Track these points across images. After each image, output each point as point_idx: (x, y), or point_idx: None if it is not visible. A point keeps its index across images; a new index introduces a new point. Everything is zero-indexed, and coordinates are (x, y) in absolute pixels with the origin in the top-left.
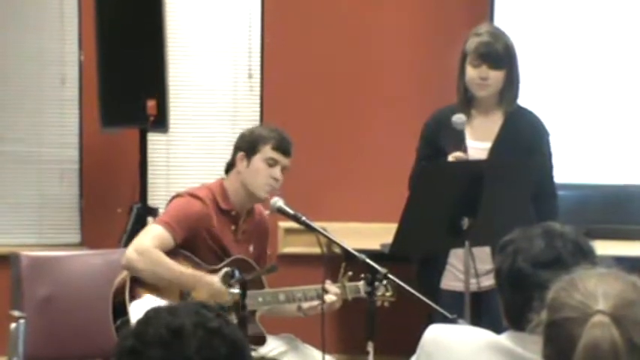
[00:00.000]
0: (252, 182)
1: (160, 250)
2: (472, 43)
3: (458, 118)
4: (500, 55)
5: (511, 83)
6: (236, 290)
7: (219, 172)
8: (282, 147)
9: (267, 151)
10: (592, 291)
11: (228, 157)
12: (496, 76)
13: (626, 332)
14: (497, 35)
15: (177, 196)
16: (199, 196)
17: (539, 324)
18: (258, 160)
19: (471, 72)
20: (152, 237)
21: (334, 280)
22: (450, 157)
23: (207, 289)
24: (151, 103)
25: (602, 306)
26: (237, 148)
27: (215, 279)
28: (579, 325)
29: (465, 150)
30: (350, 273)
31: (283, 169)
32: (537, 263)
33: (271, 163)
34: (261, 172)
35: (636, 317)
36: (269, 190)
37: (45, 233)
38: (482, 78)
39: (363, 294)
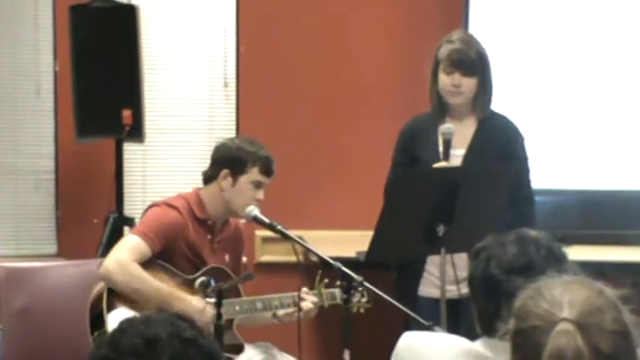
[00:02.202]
0: (235, 202)
1: (137, 263)
2: (445, 50)
3: (447, 128)
4: (473, 62)
5: (484, 90)
6: (212, 299)
7: (196, 181)
8: (269, 170)
9: (254, 174)
10: (558, 299)
11: (204, 166)
12: (469, 83)
13: (591, 339)
14: (470, 42)
15: (153, 205)
16: (175, 206)
17: (507, 332)
18: (244, 181)
19: (444, 79)
20: (129, 248)
21: (311, 288)
22: (435, 167)
23: (181, 308)
24: (126, 113)
25: (567, 314)
26: (221, 162)
27: (190, 298)
28: (545, 334)
29: (448, 159)
30: (326, 280)
31: (264, 188)
32: (510, 269)
33: (257, 185)
34: (246, 193)
35: (601, 324)
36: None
37: (21, 244)
38: (455, 85)
39: (339, 300)
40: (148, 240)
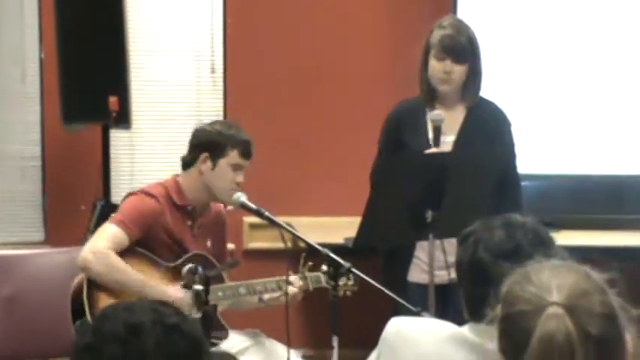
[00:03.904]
0: (217, 186)
1: (115, 253)
2: (436, 35)
3: (436, 115)
4: (464, 49)
5: (474, 77)
6: (199, 287)
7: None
8: (248, 152)
9: (234, 157)
10: (546, 283)
11: None
12: (460, 70)
13: (580, 323)
14: (461, 28)
15: (131, 194)
16: (152, 194)
17: (494, 318)
18: (224, 164)
19: (434, 66)
20: (107, 238)
21: (296, 273)
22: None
23: (162, 297)
24: (113, 99)
25: (556, 297)
26: (200, 146)
27: (172, 290)
28: (534, 318)
29: (438, 146)
30: (310, 263)
31: (243, 170)
32: (497, 253)
33: (236, 167)
34: (226, 176)
35: (590, 307)
36: (232, 195)
37: (7, 231)
38: (447, 72)
39: (324, 284)
40: (126, 229)
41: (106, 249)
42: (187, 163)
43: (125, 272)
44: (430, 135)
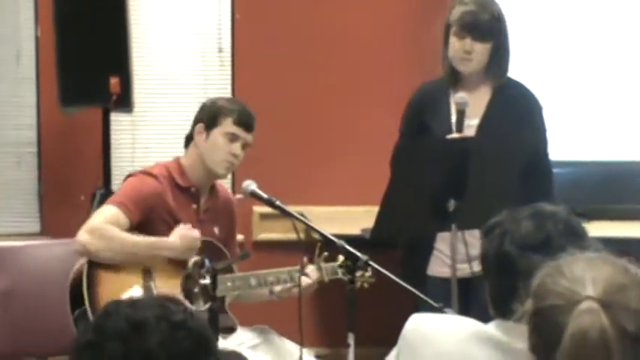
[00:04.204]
0: (210, 157)
1: (112, 226)
2: (457, 12)
3: (460, 97)
4: (486, 26)
5: (499, 56)
6: (207, 280)
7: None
8: (245, 121)
9: (227, 125)
10: (580, 276)
11: None
12: (481, 49)
13: (617, 319)
14: (485, 4)
15: (131, 175)
16: (153, 174)
17: (523, 314)
18: (217, 133)
19: (455, 44)
20: (106, 217)
21: (310, 263)
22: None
23: (167, 254)
24: (113, 81)
25: (591, 292)
26: (197, 119)
27: (173, 240)
28: (566, 313)
29: (461, 130)
30: (326, 253)
31: (244, 146)
32: (525, 245)
33: (231, 138)
34: (220, 147)
35: (627, 303)
36: (228, 167)
37: (2, 222)
38: (467, 51)
39: (340, 275)
40: (126, 209)
41: (103, 223)
42: (187, 139)
43: (125, 239)
44: (453, 119)
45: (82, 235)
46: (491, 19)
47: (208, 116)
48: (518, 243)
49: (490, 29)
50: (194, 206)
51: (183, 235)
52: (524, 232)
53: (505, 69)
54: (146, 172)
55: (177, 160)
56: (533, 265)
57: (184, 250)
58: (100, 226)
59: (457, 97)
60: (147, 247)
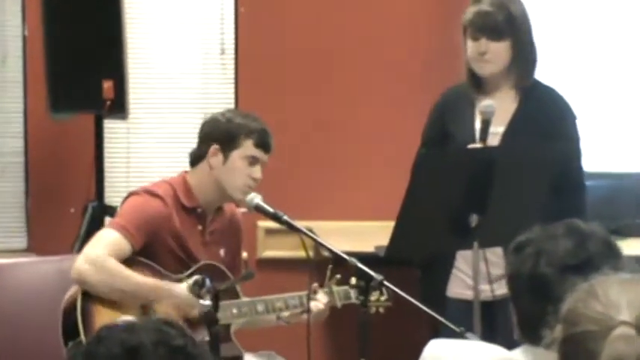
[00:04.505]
0: (229, 182)
1: (114, 259)
2: (469, 12)
3: (487, 106)
4: (499, 24)
5: (519, 56)
6: (207, 302)
7: (186, 165)
8: (265, 143)
9: (248, 148)
10: (614, 300)
11: None
12: (497, 49)
13: None
14: (500, 2)
15: (133, 194)
16: (158, 194)
17: (553, 340)
18: (237, 157)
19: (470, 46)
20: (105, 244)
21: (321, 286)
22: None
23: (171, 301)
24: (107, 85)
25: (627, 316)
26: (209, 137)
27: (179, 288)
28: (600, 340)
29: (485, 141)
30: (338, 276)
31: (262, 166)
32: (565, 267)
33: (252, 161)
34: (241, 171)
35: None
36: (247, 192)
37: None
38: (482, 52)
39: (354, 299)
40: (128, 235)
41: (105, 255)
42: (196, 157)
43: (128, 278)
44: (477, 126)
45: (82, 265)
46: (506, 16)
47: (225, 136)
48: (556, 264)
49: (505, 27)
50: (199, 228)
51: (186, 299)
52: (562, 252)
53: (528, 69)
54: (150, 192)
55: (182, 177)
56: (569, 287)
57: (188, 302)
58: (102, 257)
59: (483, 106)
60: (150, 290)
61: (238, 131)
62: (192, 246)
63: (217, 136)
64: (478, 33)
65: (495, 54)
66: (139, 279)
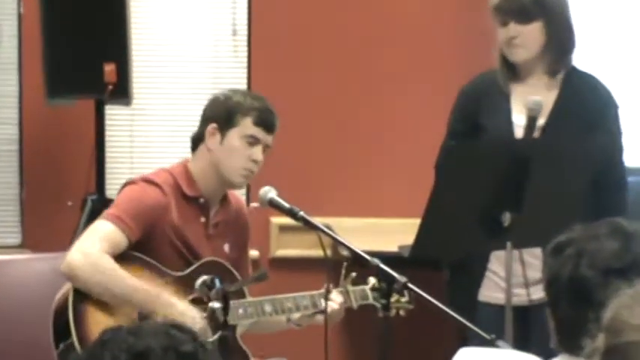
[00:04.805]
0: (226, 164)
1: (111, 257)
2: None
3: (535, 102)
4: (525, 6)
5: (553, 38)
6: (217, 304)
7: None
8: (266, 121)
9: (247, 126)
10: None
11: None
12: (527, 32)
13: None
14: None
15: (130, 183)
16: (156, 182)
17: (595, 351)
18: (234, 135)
19: (499, 32)
20: (100, 238)
21: (336, 286)
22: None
23: (168, 312)
24: (109, 68)
25: None
26: (208, 117)
27: (181, 304)
28: None
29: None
30: (354, 274)
31: (265, 149)
32: (609, 270)
33: (251, 141)
34: (238, 151)
35: None
36: (246, 175)
37: None
38: (511, 37)
39: (371, 300)
40: (124, 227)
41: (99, 251)
42: (195, 140)
43: (123, 280)
44: (515, 118)
45: (74, 258)
46: None
47: (223, 114)
48: (599, 266)
49: (533, 8)
50: (202, 219)
51: (191, 311)
52: (607, 254)
53: (563, 53)
54: (148, 180)
55: (183, 165)
56: (612, 292)
57: (183, 317)
58: (96, 254)
59: (531, 102)
60: (145, 297)
61: (236, 109)
62: (194, 239)
63: (215, 114)
64: (505, 17)
65: (525, 38)
66: (136, 283)
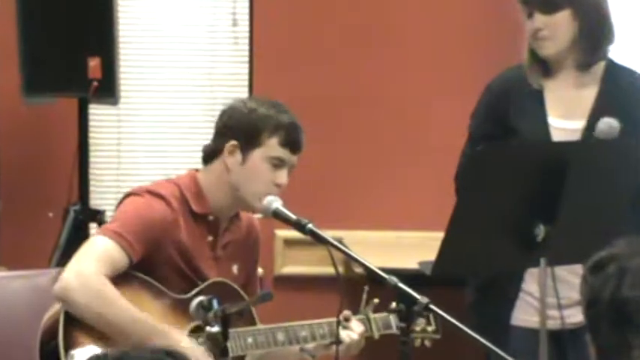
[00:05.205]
0: (246, 187)
1: (109, 278)
2: None
3: (610, 126)
4: None
5: (585, 28)
6: (215, 328)
7: (191, 160)
8: (294, 141)
9: (272, 147)
10: None
11: (202, 137)
12: (553, 23)
13: None
14: None
15: (132, 194)
16: (161, 195)
17: None
18: (258, 157)
19: (526, 25)
20: (98, 257)
21: (354, 311)
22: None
23: (164, 344)
24: (93, 63)
25: None
26: (227, 132)
27: (181, 337)
28: None
29: None
30: (376, 301)
31: (290, 170)
32: None
33: (276, 163)
34: (262, 175)
35: None
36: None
37: None
38: (537, 29)
39: (395, 330)
40: (125, 244)
41: (97, 274)
42: (210, 153)
43: (121, 307)
44: (550, 120)
45: (69, 278)
46: None
47: (245, 131)
48: None
49: None
50: (209, 238)
51: (185, 341)
52: None
53: (596, 44)
54: (153, 192)
55: (191, 176)
56: None
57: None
58: (95, 276)
59: (605, 125)
60: (146, 330)
61: (262, 126)
62: (200, 261)
63: (236, 130)
64: (530, 7)
65: (552, 29)
66: (137, 315)
